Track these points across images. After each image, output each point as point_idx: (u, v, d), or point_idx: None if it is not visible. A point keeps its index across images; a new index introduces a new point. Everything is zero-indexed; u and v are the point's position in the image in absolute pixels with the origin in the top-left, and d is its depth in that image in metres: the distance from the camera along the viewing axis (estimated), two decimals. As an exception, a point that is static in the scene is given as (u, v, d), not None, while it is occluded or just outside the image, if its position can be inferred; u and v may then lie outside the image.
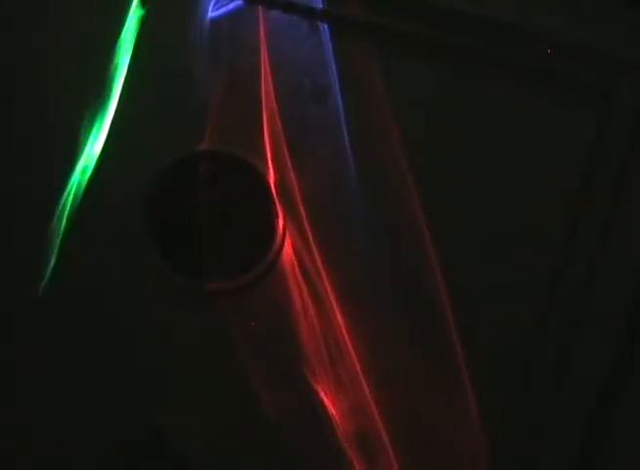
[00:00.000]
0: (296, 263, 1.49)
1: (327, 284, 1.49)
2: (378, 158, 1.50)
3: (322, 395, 1.49)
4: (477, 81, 1.49)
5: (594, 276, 1.50)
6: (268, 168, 1.48)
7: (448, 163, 1.51)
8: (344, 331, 1.49)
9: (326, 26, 1.46)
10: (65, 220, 1.49)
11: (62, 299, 1.52)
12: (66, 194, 1.49)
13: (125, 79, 1.47)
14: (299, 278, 1.49)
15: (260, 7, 1.45)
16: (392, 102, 1.49)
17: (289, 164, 1.49)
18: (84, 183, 1.49)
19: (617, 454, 1.53)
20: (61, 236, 1.50)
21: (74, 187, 1.49)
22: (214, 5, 1.46)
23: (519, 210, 1.52)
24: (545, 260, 1.52)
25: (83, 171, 1.49)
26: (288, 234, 1.49)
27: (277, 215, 1.48)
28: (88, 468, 1.54)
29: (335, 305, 1.49)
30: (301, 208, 1.49)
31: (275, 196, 1.48)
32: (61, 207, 1.49)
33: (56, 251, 1.50)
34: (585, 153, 1.49)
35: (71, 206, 1.49)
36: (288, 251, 1.49)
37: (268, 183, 1.48)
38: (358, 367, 1.49)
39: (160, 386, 1.52)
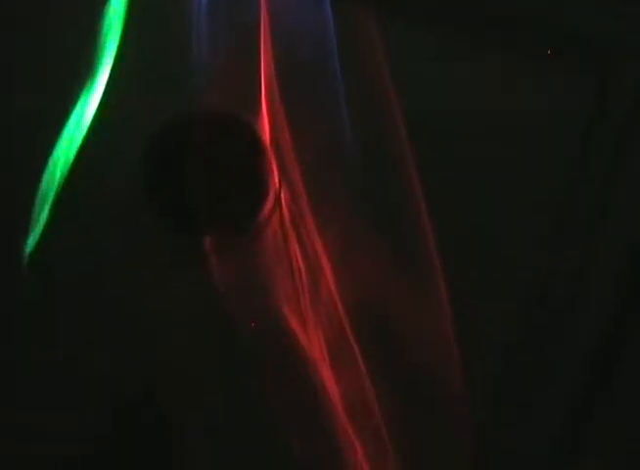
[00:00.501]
0: (288, 222, 1.47)
1: (318, 243, 1.47)
2: (375, 124, 1.50)
3: (310, 353, 1.46)
4: (476, 50, 1.50)
5: (590, 254, 1.48)
6: (265, 128, 1.48)
7: (447, 130, 1.50)
8: (333, 289, 1.47)
9: (327, -10, 1.48)
10: (59, 180, 1.48)
11: (56, 259, 1.50)
12: (59, 153, 1.48)
13: (120, 39, 1.47)
14: (292, 237, 1.47)
15: (262, -32, 1.46)
16: (392, 69, 1.49)
17: (285, 125, 1.48)
18: (78, 144, 1.48)
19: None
20: (55, 197, 1.48)
21: (67, 148, 1.48)
22: (215, -36, 1.47)
23: (517, 179, 1.50)
24: (542, 234, 1.50)
25: (76, 131, 1.48)
26: (282, 193, 1.48)
27: (272, 175, 1.46)
28: (84, 434, 1.50)
29: (325, 264, 1.47)
30: (297, 168, 1.48)
31: (271, 156, 1.47)
32: (54, 166, 1.48)
33: (48, 213, 1.48)
34: (585, 122, 1.49)
35: (65, 164, 1.48)
36: (282, 210, 1.48)
37: (264, 143, 1.47)
38: (347, 325, 1.47)
39: (158, 341, 1.48)
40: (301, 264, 1.47)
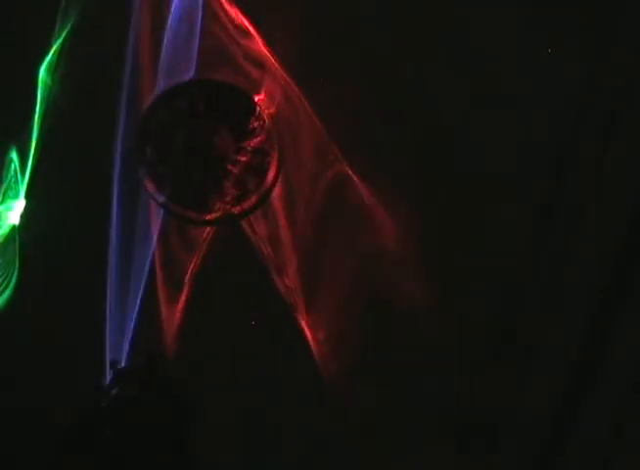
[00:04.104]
0: (287, 197, 1.50)
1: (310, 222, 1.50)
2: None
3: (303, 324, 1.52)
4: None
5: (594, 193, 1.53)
6: (267, 101, 1.50)
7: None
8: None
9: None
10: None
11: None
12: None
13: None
14: (290, 209, 1.50)
15: None
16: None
17: (287, 99, 1.50)
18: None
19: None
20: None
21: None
22: None
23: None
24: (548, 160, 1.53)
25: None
26: (283, 168, 1.51)
27: (273, 148, 1.49)
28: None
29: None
30: (297, 142, 1.50)
31: (272, 129, 1.49)
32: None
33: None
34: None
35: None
36: (281, 184, 1.51)
37: (266, 115, 1.48)
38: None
39: (160, 306, 1.53)
40: (295, 237, 1.51)
